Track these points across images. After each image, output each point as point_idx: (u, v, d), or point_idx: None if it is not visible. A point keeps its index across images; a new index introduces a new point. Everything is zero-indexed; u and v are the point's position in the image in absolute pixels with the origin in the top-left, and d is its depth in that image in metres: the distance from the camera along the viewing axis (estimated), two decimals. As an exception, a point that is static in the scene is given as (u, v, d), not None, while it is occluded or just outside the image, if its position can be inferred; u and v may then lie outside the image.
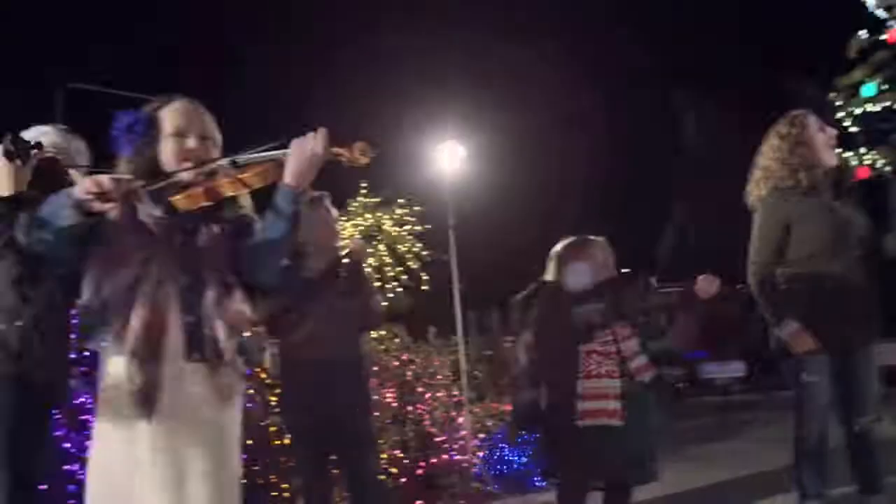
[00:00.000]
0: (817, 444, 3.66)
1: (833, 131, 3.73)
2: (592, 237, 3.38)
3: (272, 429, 5.82)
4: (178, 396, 2.43)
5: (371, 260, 8.56)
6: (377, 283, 8.50)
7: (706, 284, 3.21)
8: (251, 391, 6.10)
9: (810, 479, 3.70)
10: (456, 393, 7.24)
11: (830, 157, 3.70)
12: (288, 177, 2.47)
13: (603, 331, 3.17)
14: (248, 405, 6.12)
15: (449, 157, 7.45)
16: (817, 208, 3.68)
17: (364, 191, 8.92)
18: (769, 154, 3.80)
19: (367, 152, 2.52)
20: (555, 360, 3.16)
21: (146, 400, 2.39)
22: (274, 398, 5.66)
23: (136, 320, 2.43)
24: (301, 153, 2.44)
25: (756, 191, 3.86)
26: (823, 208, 3.68)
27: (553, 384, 3.18)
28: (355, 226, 8.59)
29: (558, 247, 3.41)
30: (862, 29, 11.55)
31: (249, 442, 5.97)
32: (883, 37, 11.65)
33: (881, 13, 11.51)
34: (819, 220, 3.66)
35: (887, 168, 11.56)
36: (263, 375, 6.03)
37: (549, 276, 3.37)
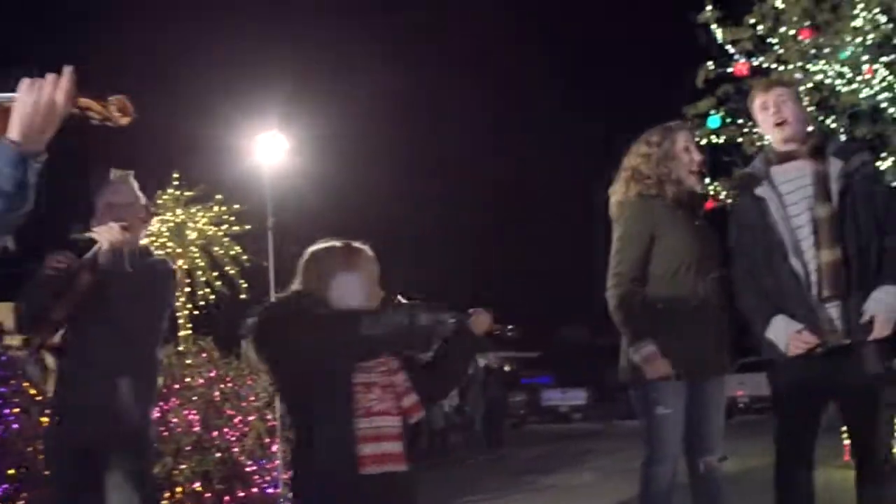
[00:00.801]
0: (667, 483, 3.45)
1: (697, 156, 3.54)
2: (359, 245, 2.81)
3: (41, 457, 5.08)
4: None
5: (181, 262, 7.82)
6: (187, 289, 7.75)
7: (480, 320, 2.75)
8: (17, 410, 5.34)
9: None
10: (270, 417, 6.65)
11: (691, 179, 3.53)
12: (13, 130, 1.89)
13: (377, 360, 2.63)
14: (15, 426, 5.36)
15: (270, 150, 6.87)
16: (682, 221, 3.47)
17: (176, 182, 8.10)
18: (637, 158, 3.61)
19: (128, 110, 1.97)
20: (325, 392, 2.57)
21: None
22: (46, 419, 4.90)
23: None
24: (33, 100, 1.86)
25: (622, 190, 3.62)
26: (689, 223, 3.52)
27: (323, 422, 2.54)
28: (163, 222, 7.77)
29: (315, 250, 2.78)
30: (713, 59, 11.91)
31: (12, 472, 5.21)
32: (729, 69, 12.08)
33: (728, 46, 11.94)
34: (684, 234, 3.44)
35: (729, 200, 11.97)
36: (33, 392, 5.27)
37: (301, 286, 2.77)
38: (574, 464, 11.91)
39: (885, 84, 11.35)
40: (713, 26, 11.81)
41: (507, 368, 23.62)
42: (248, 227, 8.16)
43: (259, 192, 7.10)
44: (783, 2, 11.29)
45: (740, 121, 12.39)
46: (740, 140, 12.56)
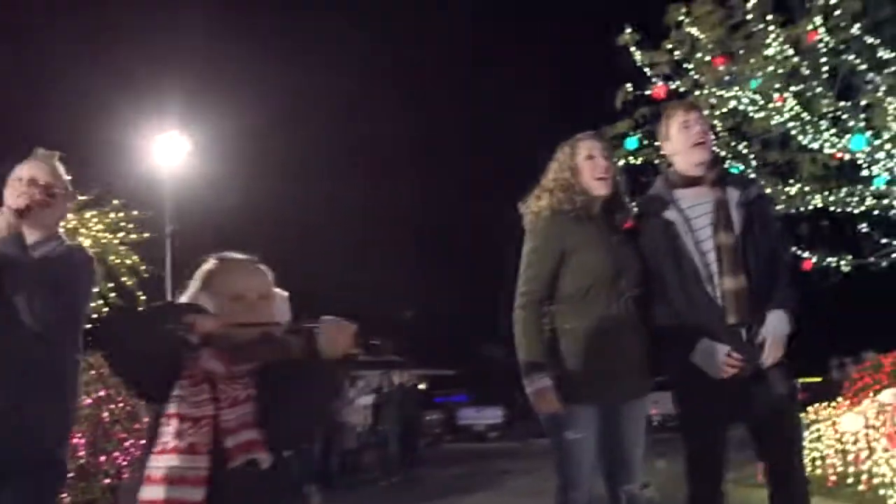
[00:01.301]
0: None
1: (603, 162, 3.36)
2: (235, 255, 2.35)
3: None
4: None
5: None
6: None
7: (333, 337, 2.15)
8: None
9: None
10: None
11: (597, 186, 3.36)
12: None
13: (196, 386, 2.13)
14: None
15: (169, 151, 6.42)
16: (596, 237, 3.29)
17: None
18: (549, 174, 3.50)
19: None
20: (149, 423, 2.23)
21: None
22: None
23: None
24: None
25: (533, 204, 3.46)
26: (603, 238, 3.29)
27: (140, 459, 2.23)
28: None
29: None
30: (631, 81, 11.96)
31: None
32: (648, 92, 12.17)
33: (647, 69, 12.03)
34: (597, 251, 3.27)
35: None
36: None
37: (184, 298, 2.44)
38: (491, 484, 11.70)
39: (793, 113, 11.60)
40: (632, 49, 11.91)
41: (421, 387, 23.28)
42: (146, 234, 7.58)
43: (158, 197, 6.59)
44: (698, 29, 11.45)
45: (657, 143, 12.55)
46: (657, 161, 12.69)
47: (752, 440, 3.21)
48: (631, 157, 12.32)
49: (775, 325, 3.07)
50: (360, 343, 2.15)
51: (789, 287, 3.19)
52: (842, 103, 11.58)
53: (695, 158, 3.26)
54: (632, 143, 12.60)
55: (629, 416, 3.31)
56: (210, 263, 2.35)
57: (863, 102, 11.23)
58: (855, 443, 6.84)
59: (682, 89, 11.88)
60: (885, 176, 11.74)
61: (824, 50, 11.20)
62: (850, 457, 6.94)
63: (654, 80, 12.06)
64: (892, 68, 11.12)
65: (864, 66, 11.13)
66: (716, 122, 11.43)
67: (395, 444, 15.05)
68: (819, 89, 11.45)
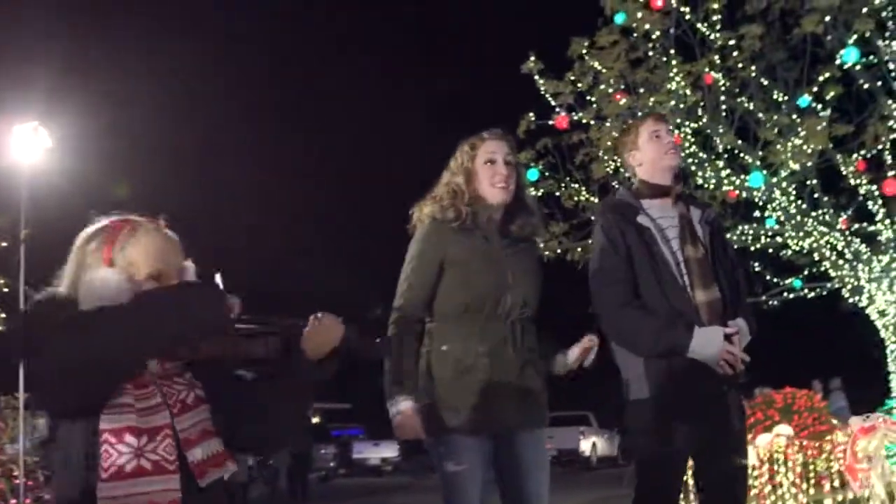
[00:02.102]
0: None
1: (503, 169, 3.05)
2: (138, 218, 1.90)
3: None
4: None
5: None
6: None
7: (321, 332, 1.92)
8: None
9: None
10: (17, 473, 5.51)
11: (493, 194, 3.02)
12: None
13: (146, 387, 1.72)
14: None
15: (27, 146, 5.80)
16: (481, 250, 2.98)
17: None
18: (443, 176, 3.17)
19: None
20: (63, 444, 1.85)
21: None
22: None
23: None
24: None
25: (418, 211, 3.14)
26: (490, 252, 2.99)
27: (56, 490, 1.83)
28: None
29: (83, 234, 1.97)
30: (533, 111, 11.93)
31: None
32: (551, 122, 12.18)
33: (550, 99, 12.03)
34: (480, 265, 2.97)
35: (546, 252, 11.95)
36: None
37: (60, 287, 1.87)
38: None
39: (692, 150, 11.79)
40: (536, 77, 11.90)
41: (314, 420, 22.57)
42: (4, 244, 6.84)
43: (13, 198, 5.93)
44: (600, 63, 11.53)
45: (558, 175, 12.57)
46: (558, 193, 12.67)
47: (698, 471, 3.07)
48: (532, 189, 12.28)
49: (741, 328, 3.01)
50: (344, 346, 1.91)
51: (747, 305, 3.21)
52: (739, 141, 11.84)
53: (667, 163, 3.15)
54: (533, 174, 12.57)
55: (524, 449, 2.98)
56: (116, 224, 1.88)
57: (761, 140, 11.50)
58: (757, 477, 6.78)
59: (584, 120, 11.93)
60: (777, 215, 12.04)
61: (723, 89, 11.44)
62: (754, 491, 6.88)
63: (557, 109, 12.07)
64: (785, 109, 11.45)
65: (758, 108, 11.42)
66: (616, 156, 11.51)
67: (286, 478, 14.50)
68: (719, 128, 11.68)
